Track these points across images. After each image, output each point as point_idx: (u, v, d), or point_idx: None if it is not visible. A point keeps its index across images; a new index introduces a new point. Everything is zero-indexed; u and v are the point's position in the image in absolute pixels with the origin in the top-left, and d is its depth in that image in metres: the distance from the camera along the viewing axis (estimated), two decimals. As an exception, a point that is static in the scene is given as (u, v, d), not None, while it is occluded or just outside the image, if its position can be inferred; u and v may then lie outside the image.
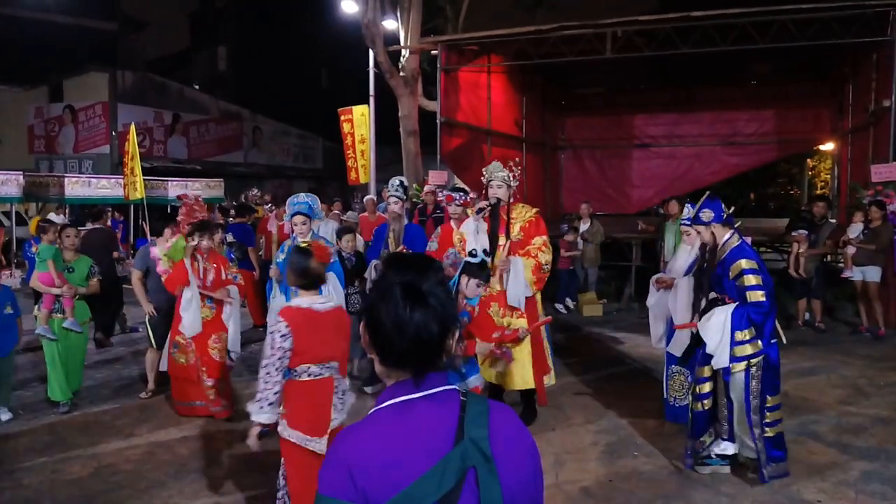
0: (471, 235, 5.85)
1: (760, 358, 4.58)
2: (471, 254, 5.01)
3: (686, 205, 5.84)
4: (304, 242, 3.97)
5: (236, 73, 36.74)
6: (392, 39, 15.36)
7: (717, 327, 4.65)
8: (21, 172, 15.08)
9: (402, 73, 14.85)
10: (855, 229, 9.41)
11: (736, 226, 5.04)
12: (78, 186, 16.20)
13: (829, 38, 11.04)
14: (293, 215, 5.94)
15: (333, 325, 3.63)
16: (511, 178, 5.91)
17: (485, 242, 5.77)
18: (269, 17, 35.12)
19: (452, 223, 6.19)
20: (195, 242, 6.15)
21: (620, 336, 9.42)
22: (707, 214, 4.91)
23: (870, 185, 10.34)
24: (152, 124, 26.05)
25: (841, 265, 9.90)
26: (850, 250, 9.18)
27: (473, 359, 5.09)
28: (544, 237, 5.86)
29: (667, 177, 18.75)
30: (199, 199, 7.12)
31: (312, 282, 3.66)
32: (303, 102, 32.69)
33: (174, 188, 18.35)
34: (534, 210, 6.02)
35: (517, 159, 6.34)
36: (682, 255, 5.91)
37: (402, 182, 7.23)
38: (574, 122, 20.53)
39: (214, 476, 4.91)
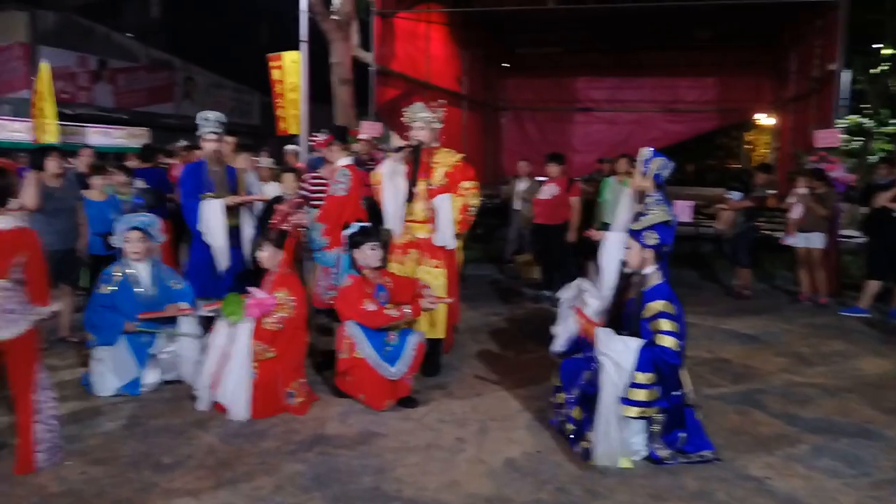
0: (387, 178, 5.46)
1: (656, 409, 4.05)
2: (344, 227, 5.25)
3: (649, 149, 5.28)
4: None
5: (170, 20, 34.98)
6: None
7: (619, 352, 4.04)
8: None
9: (334, 17, 13.97)
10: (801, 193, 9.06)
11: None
12: (-13, 129, 15.05)
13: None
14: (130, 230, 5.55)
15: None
16: (434, 120, 5.52)
17: (401, 186, 5.40)
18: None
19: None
20: None
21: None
22: (652, 237, 4.18)
23: (813, 151, 10.08)
24: (76, 69, 24.16)
25: (780, 233, 9.57)
26: (795, 214, 8.84)
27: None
28: (474, 182, 5.57)
29: (608, 142, 18.31)
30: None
31: None
32: (240, 55, 31.10)
33: (94, 135, 17.42)
34: (459, 155, 5.65)
35: (443, 100, 5.86)
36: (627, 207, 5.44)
37: (217, 118, 6.49)
38: (516, 82, 20.06)
39: (199, 475, 4.00)
